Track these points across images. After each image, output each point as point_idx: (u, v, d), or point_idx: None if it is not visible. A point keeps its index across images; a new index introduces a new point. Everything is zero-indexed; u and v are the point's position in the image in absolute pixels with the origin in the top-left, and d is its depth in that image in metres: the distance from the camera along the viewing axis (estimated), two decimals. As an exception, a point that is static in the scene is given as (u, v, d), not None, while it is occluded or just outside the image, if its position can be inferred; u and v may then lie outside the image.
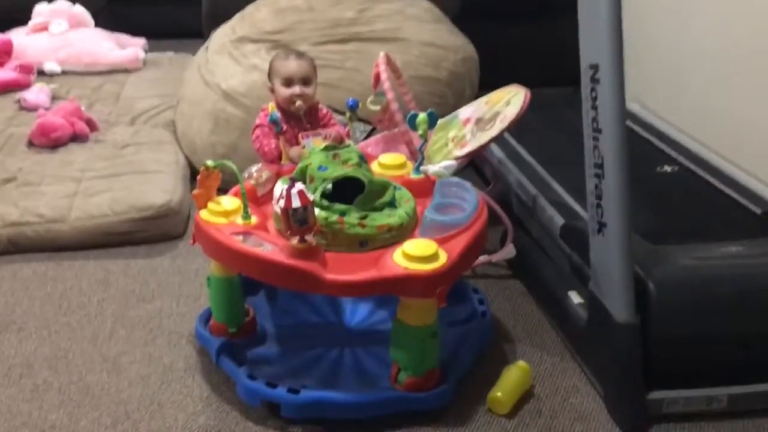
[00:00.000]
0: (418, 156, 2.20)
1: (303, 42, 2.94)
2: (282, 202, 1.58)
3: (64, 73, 3.74)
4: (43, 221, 2.43)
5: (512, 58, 3.80)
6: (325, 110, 2.20)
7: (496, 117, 2.32)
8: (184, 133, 2.97)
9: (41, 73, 3.68)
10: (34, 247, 2.43)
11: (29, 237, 2.42)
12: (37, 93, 3.35)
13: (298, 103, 2.07)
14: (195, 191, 1.84)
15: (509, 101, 2.33)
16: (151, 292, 2.26)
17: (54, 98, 3.43)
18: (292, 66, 2.07)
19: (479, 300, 2.06)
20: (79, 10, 3.98)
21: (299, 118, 2.13)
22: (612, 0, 1.67)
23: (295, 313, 2.08)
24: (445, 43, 3.00)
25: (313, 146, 2.06)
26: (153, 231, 2.50)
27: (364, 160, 1.88)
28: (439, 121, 2.56)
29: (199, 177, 1.82)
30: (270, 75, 2.14)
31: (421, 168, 2.14)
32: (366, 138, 2.69)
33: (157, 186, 2.59)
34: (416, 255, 1.62)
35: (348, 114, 2.06)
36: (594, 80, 1.76)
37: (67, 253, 2.43)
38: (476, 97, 3.13)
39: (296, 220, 1.59)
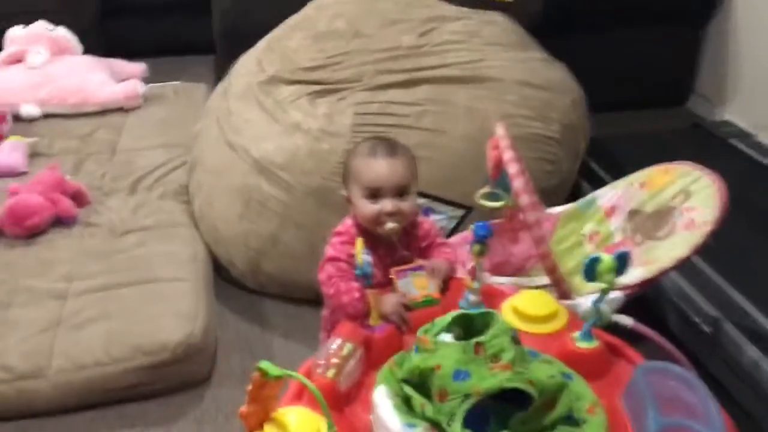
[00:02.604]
0: (564, 288, 1.47)
1: (356, 85, 2.17)
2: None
3: (45, 116, 2.97)
4: (12, 378, 1.70)
5: (599, 77, 3.05)
6: (426, 224, 1.45)
7: (669, 216, 1.58)
8: (203, 213, 2.23)
9: (16, 118, 2.92)
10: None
11: (-8, 402, 1.69)
12: (9, 152, 2.60)
13: (389, 225, 1.33)
14: (244, 408, 1.10)
15: (688, 191, 1.58)
16: (173, 493, 1.54)
17: (33, 155, 2.68)
18: (380, 170, 1.33)
19: None
20: (62, 33, 3.20)
21: (390, 242, 1.39)
22: None
23: None
24: (547, 81, 2.23)
25: (415, 290, 1.33)
26: (168, 381, 1.76)
27: (517, 340, 1.13)
28: (568, 207, 1.83)
29: (250, 388, 1.08)
30: (346, 177, 1.40)
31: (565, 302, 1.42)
32: (456, 227, 1.96)
33: (172, 308, 1.85)
34: None
35: (477, 248, 1.30)
36: None
37: (48, 420, 1.70)
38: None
39: None
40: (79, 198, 2.36)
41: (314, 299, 2.07)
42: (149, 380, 1.74)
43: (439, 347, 1.09)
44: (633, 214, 1.67)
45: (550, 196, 1.97)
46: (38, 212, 2.21)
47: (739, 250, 1.93)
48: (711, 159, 2.39)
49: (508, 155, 1.47)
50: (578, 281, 1.69)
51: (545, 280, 1.76)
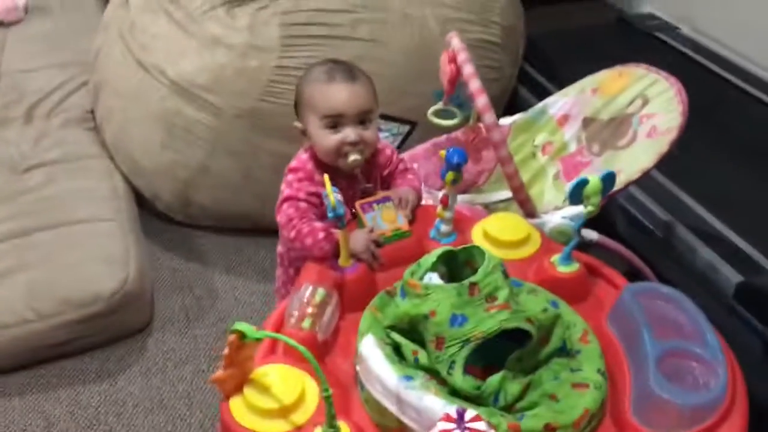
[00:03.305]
0: (530, 207, 1.41)
1: (279, -9, 1.97)
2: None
3: None
4: None
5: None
6: (388, 150, 1.34)
7: (628, 123, 1.53)
8: (118, 142, 2.01)
9: None
10: None
11: None
12: None
13: (353, 157, 1.21)
14: (221, 374, 0.99)
15: (645, 96, 1.53)
16: (126, 455, 1.43)
17: None
18: (340, 96, 1.19)
19: None
20: None
21: (350, 174, 1.27)
22: None
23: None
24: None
25: (383, 224, 1.24)
26: (105, 333, 1.62)
27: (506, 273, 1.06)
28: (517, 118, 1.75)
29: (226, 352, 0.97)
30: (299, 107, 1.25)
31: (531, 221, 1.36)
32: (403, 142, 1.86)
33: (98, 252, 1.68)
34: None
35: (450, 176, 1.19)
36: None
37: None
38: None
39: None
40: (-33, 132, 2.09)
41: (252, 228, 1.96)
42: (84, 334, 1.59)
43: (431, 291, 1.01)
44: (587, 122, 1.61)
45: (493, 106, 1.88)
46: None
47: (678, 148, 1.92)
48: (640, 54, 2.36)
49: (468, 70, 1.36)
50: (534, 195, 1.64)
51: (501, 195, 1.71)
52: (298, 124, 1.25)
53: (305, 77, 1.23)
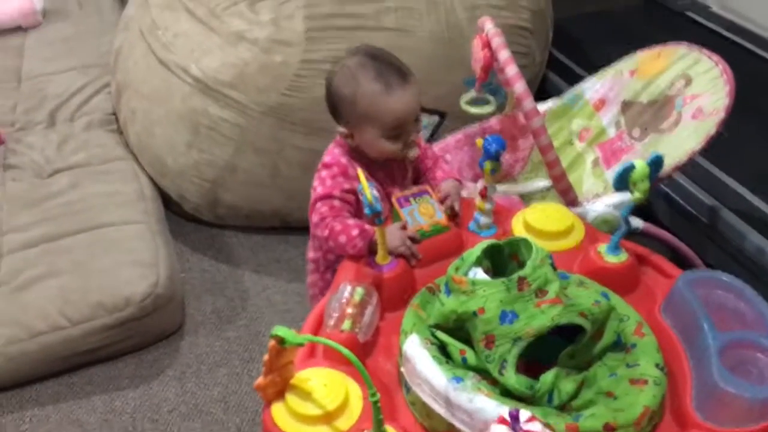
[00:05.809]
0: (572, 196, 1.36)
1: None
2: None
3: (-70, 45, 2.59)
4: (-47, 356, 1.49)
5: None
6: (423, 143, 1.29)
7: (670, 105, 1.47)
8: (143, 144, 1.98)
9: None
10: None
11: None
12: None
13: (413, 152, 1.20)
14: (261, 380, 0.95)
15: (687, 76, 1.47)
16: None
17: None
18: (403, 106, 1.14)
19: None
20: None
21: (384, 165, 1.23)
22: None
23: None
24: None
25: (421, 218, 1.19)
26: (136, 338, 1.59)
27: (554, 266, 1.01)
28: (551, 104, 1.70)
29: (266, 358, 0.93)
30: (346, 112, 1.18)
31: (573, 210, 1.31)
32: (433, 133, 1.81)
33: (128, 256, 1.66)
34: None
35: (489, 165, 1.14)
36: None
37: (5, 396, 1.52)
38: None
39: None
40: (-8, 137, 2.08)
41: (281, 226, 1.92)
42: (116, 339, 1.56)
43: (478, 287, 0.96)
44: (626, 105, 1.55)
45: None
46: (-53, 159, 1.92)
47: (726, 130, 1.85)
48: (671, 34, 2.29)
49: (504, 55, 1.31)
50: (572, 183, 1.58)
51: (537, 184, 1.66)
52: (343, 130, 1.19)
53: (354, 85, 1.14)
